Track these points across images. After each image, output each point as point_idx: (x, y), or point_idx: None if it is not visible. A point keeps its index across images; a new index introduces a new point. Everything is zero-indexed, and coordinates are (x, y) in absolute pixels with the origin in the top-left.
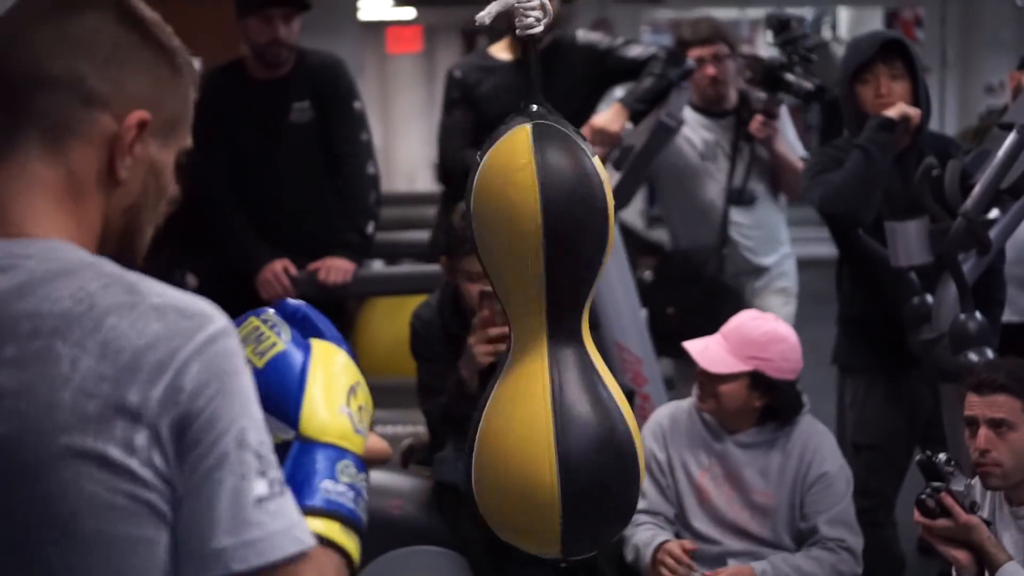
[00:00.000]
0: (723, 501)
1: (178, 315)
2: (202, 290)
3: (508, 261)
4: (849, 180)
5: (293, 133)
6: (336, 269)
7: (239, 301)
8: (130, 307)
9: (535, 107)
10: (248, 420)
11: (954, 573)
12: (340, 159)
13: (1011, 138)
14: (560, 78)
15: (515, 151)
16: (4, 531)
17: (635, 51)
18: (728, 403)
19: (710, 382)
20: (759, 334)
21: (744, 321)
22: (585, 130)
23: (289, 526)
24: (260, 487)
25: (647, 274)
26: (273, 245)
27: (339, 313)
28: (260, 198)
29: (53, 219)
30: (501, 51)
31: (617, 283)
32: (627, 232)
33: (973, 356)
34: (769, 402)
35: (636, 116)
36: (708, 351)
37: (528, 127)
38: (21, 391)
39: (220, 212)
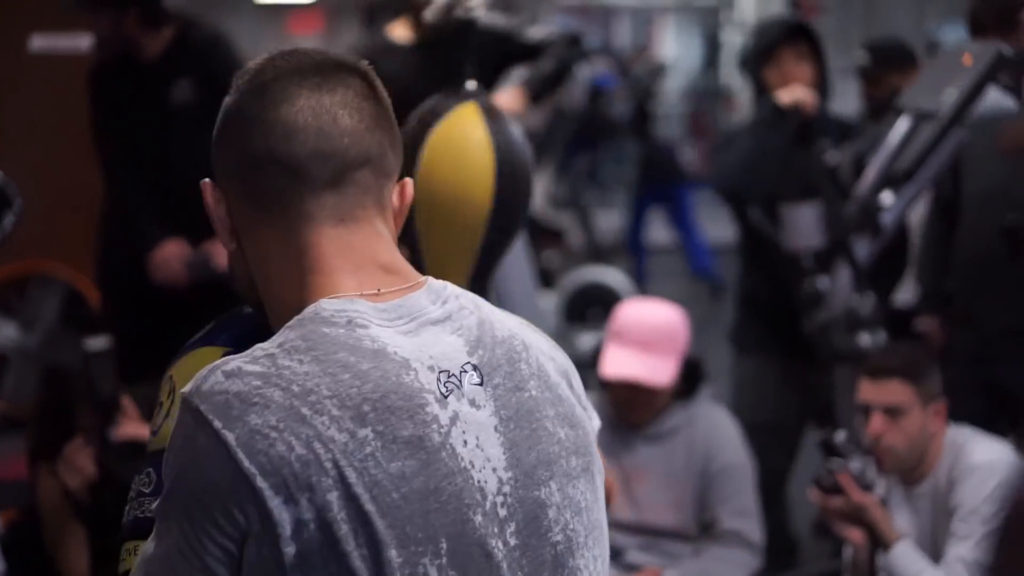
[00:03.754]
0: (628, 497)
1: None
2: (97, 277)
3: (446, 232)
4: (739, 159)
5: (176, 113)
6: (223, 252)
7: (133, 284)
8: (520, 321)
9: (471, 86)
10: None
11: (848, 551)
12: None
13: (904, 122)
14: (463, 59)
15: (468, 128)
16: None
17: (535, 34)
18: (661, 405)
19: (643, 396)
20: (672, 325)
21: (643, 318)
22: None
23: None
24: None
25: (550, 257)
26: (167, 228)
27: (236, 295)
28: (151, 180)
29: (412, 268)
30: (400, 32)
31: (514, 268)
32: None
33: (867, 337)
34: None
35: (536, 99)
36: (647, 367)
37: (476, 104)
38: (552, 399)
39: (115, 195)
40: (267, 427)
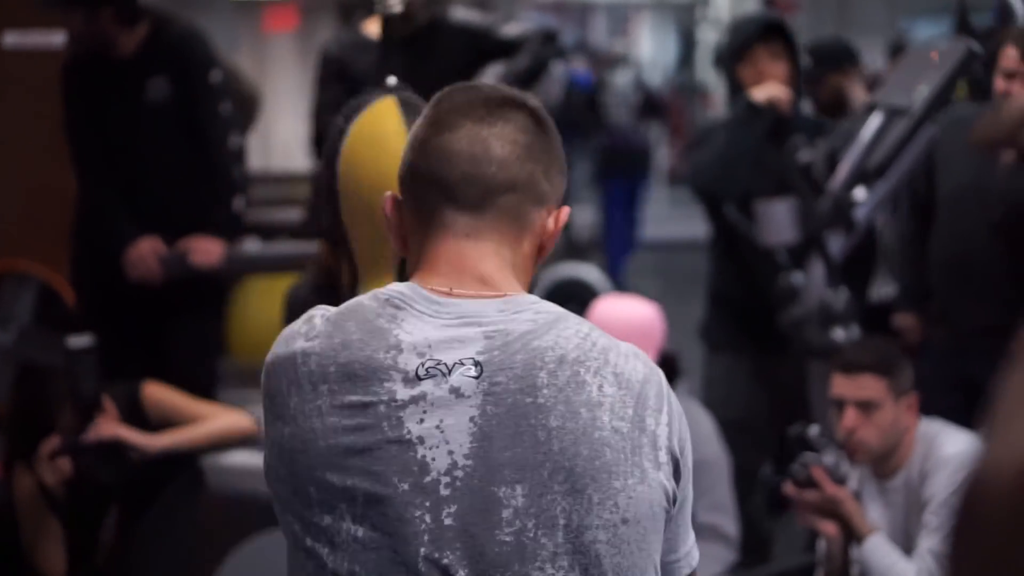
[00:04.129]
0: None
1: (645, 360)
2: (72, 275)
3: (371, 223)
4: (714, 157)
5: (151, 111)
6: (203, 251)
7: (108, 282)
8: (615, 347)
9: (394, 82)
10: None
11: (821, 544)
12: (201, 134)
13: (876, 118)
14: (436, 57)
15: (385, 120)
16: (562, 529)
17: (510, 30)
18: None
19: None
20: (648, 321)
21: (619, 314)
22: None
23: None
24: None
25: None
26: (142, 226)
27: (214, 292)
28: (126, 177)
29: (517, 286)
30: (374, 29)
31: None
32: None
33: (840, 332)
34: None
35: None
36: None
37: (394, 98)
38: (562, 413)
39: (89, 192)
40: (280, 362)
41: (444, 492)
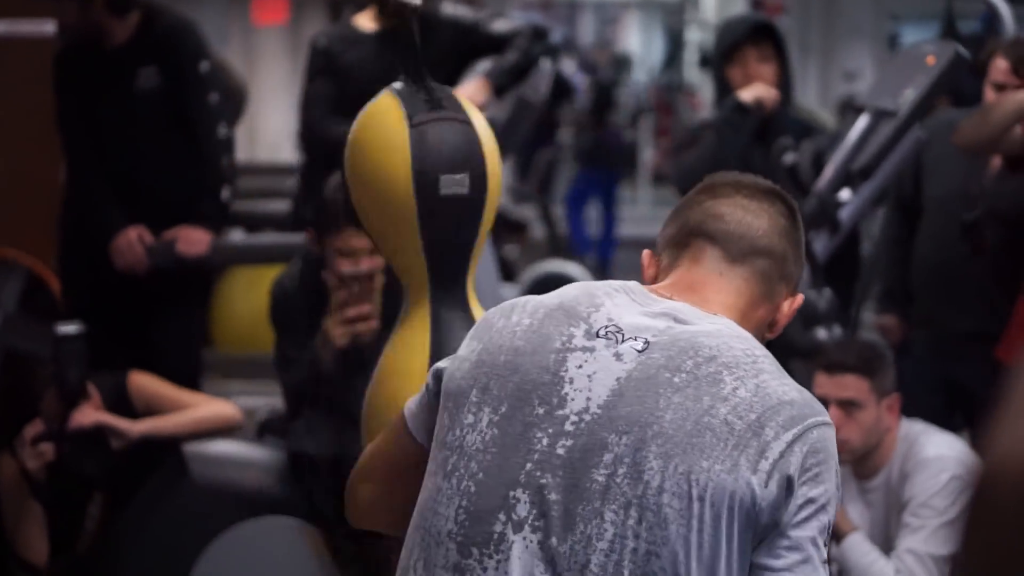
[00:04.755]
0: None
1: (809, 401)
2: (59, 264)
3: (387, 229)
4: (701, 159)
5: (141, 100)
6: (190, 240)
7: (95, 272)
8: (779, 375)
9: (409, 78)
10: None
11: None
12: (190, 124)
13: (863, 120)
14: (425, 51)
15: (386, 117)
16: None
17: (500, 26)
18: None
19: None
20: None
21: None
22: None
23: None
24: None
25: (511, 249)
26: (130, 215)
27: (200, 283)
28: (114, 167)
29: (732, 318)
30: (366, 21)
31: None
32: None
33: (823, 332)
34: None
35: (500, 91)
36: None
37: (395, 93)
38: (688, 395)
39: (77, 181)
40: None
41: (568, 428)
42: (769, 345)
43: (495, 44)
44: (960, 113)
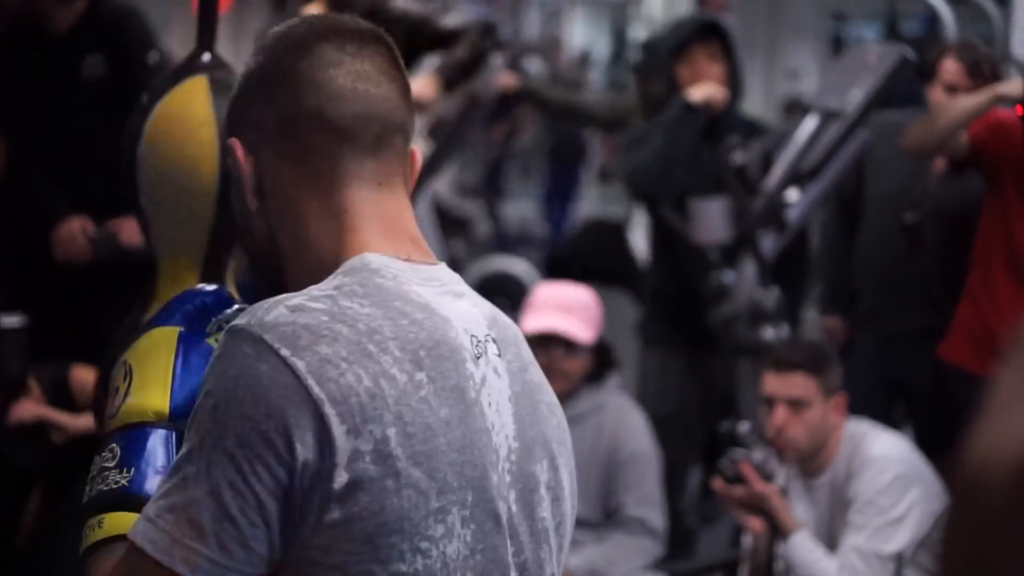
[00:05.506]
0: None
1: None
2: None
3: (174, 217)
4: (651, 158)
5: (86, 89)
6: (133, 231)
7: (36, 263)
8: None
9: (209, 57)
10: None
11: (747, 539)
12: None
13: (812, 120)
14: None
15: (193, 105)
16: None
17: (450, 21)
18: (575, 379)
19: (561, 359)
20: (589, 299)
21: (561, 290)
22: None
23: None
24: None
25: (456, 246)
26: (72, 205)
27: (143, 274)
28: (57, 155)
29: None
30: (313, 12)
31: None
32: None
33: (770, 331)
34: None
35: (450, 86)
36: (567, 324)
37: (205, 79)
38: (545, 386)
39: (17, 169)
40: (338, 358)
41: (507, 479)
42: (718, 343)
43: (444, 39)
44: (903, 114)
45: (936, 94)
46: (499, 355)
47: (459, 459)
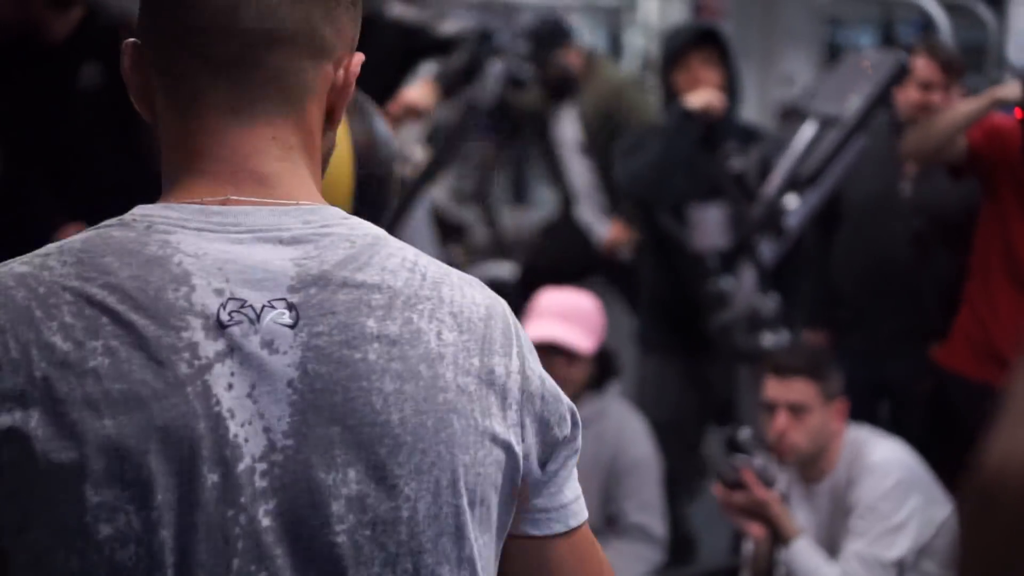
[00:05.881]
0: None
1: (480, 286)
2: None
3: None
4: (648, 164)
5: (82, 98)
6: None
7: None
8: (447, 277)
9: None
10: None
11: (748, 546)
12: (132, 123)
13: (809, 127)
14: (368, 52)
15: None
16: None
17: (447, 28)
18: (576, 387)
19: (562, 368)
20: (591, 307)
21: (562, 298)
22: (395, 106)
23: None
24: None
25: (455, 253)
26: (68, 213)
27: None
28: (54, 164)
29: (310, 185)
30: None
31: None
32: (435, 211)
33: (769, 337)
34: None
35: (448, 93)
36: (568, 332)
37: None
38: (403, 372)
39: (13, 178)
40: None
41: (260, 484)
42: (716, 350)
43: (441, 46)
44: (880, 118)
45: (909, 93)
46: (292, 325)
47: (139, 447)
